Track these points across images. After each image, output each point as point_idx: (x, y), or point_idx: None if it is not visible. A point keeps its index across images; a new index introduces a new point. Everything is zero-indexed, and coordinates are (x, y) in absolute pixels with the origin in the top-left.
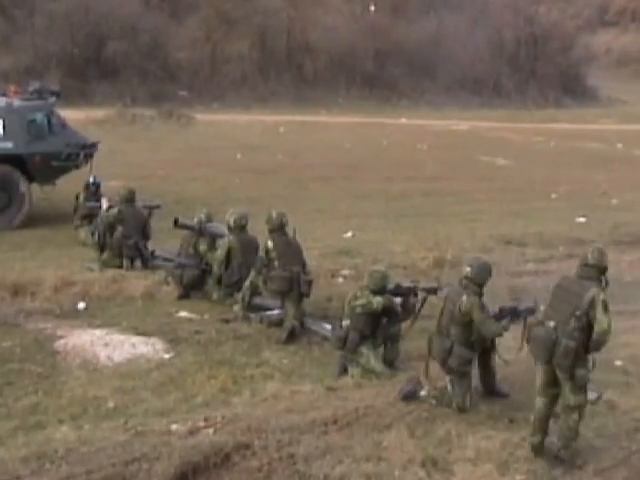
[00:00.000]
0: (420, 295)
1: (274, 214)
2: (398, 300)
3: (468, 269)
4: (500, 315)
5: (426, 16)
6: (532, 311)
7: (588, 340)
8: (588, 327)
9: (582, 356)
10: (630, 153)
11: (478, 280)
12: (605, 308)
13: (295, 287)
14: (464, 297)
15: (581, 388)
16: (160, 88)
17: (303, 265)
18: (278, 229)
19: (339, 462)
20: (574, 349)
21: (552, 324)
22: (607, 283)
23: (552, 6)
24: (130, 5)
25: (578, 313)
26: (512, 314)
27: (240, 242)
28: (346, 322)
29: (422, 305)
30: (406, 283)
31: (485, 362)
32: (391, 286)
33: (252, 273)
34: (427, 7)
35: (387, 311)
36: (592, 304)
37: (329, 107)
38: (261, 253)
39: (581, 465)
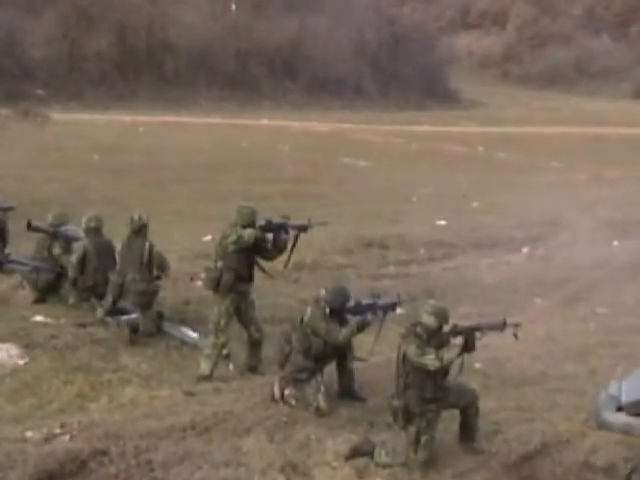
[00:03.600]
0: (292, 233)
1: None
2: (269, 237)
3: (323, 292)
4: (356, 311)
5: (288, 15)
6: (392, 306)
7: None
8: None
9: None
10: (490, 156)
11: (331, 304)
12: (420, 354)
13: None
14: (308, 309)
15: (416, 442)
16: (16, 86)
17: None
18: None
19: (198, 468)
20: (402, 407)
21: (402, 385)
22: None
23: (415, 7)
24: None
25: (401, 372)
26: (370, 310)
27: (95, 246)
28: (220, 263)
29: (294, 243)
30: (277, 220)
31: (342, 366)
32: (261, 222)
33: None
34: (289, 7)
35: (259, 247)
36: (409, 360)
37: (190, 107)
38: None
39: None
